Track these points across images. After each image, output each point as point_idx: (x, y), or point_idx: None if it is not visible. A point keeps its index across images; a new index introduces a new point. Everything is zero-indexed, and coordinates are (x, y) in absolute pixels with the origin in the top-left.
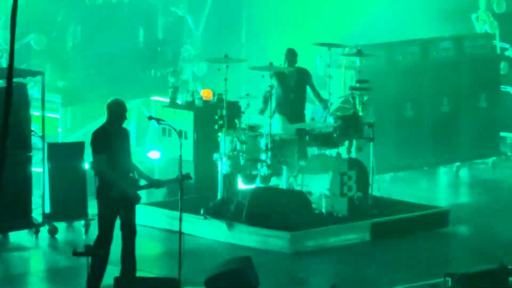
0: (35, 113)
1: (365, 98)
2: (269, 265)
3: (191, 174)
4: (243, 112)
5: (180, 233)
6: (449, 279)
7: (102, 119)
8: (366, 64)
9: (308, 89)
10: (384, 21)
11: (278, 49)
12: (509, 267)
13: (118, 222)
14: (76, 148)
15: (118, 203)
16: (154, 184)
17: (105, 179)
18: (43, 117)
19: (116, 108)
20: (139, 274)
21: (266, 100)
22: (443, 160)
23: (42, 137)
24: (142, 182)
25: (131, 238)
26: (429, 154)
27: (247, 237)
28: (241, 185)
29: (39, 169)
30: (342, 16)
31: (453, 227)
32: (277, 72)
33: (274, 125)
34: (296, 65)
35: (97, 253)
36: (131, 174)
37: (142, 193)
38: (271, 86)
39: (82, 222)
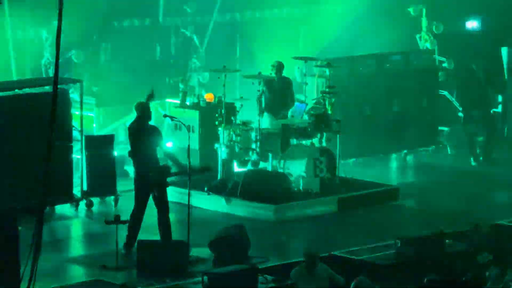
0: (75, 112)
1: (333, 100)
2: (258, 231)
3: (197, 161)
4: (238, 111)
5: (188, 205)
6: (399, 241)
7: (127, 117)
8: (334, 73)
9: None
10: (348, 40)
11: (265, 62)
12: (446, 232)
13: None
14: (107, 139)
15: (151, 186)
16: (183, 172)
17: (138, 162)
18: (81, 115)
19: (140, 108)
20: (156, 238)
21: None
22: (394, 148)
23: (81, 131)
24: (174, 169)
25: (162, 212)
26: (383, 144)
27: (241, 209)
28: (236, 168)
29: (78, 156)
30: (315, 36)
31: (402, 200)
32: (266, 80)
33: (263, 121)
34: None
35: (125, 221)
36: (164, 163)
37: None
38: (259, 90)
39: (112, 197)
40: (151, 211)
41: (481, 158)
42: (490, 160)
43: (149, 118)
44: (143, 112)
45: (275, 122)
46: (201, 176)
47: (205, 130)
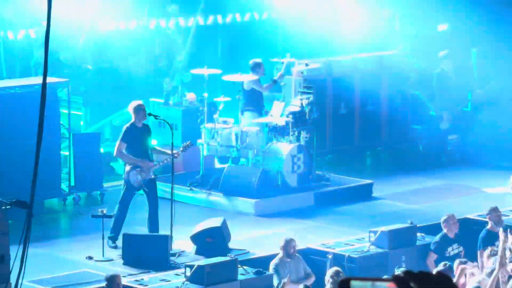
0: (63, 110)
1: (310, 99)
2: (238, 224)
3: (180, 159)
4: (219, 110)
5: (172, 200)
6: (372, 234)
7: (113, 115)
8: (311, 74)
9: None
10: (325, 43)
11: (245, 63)
12: (417, 225)
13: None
14: (94, 137)
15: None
16: (167, 158)
17: (124, 161)
18: (69, 114)
19: (137, 108)
20: (140, 232)
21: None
22: (368, 145)
23: (69, 128)
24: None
25: (153, 207)
26: (357, 141)
27: (222, 203)
28: (217, 164)
29: (66, 152)
30: (292, 39)
31: (375, 195)
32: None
33: (245, 119)
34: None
35: (109, 216)
36: (152, 159)
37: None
38: (240, 91)
39: (98, 192)
40: (137, 206)
41: (451, 155)
42: (460, 157)
43: (144, 118)
44: (136, 112)
45: (257, 120)
46: (185, 172)
47: (187, 128)
